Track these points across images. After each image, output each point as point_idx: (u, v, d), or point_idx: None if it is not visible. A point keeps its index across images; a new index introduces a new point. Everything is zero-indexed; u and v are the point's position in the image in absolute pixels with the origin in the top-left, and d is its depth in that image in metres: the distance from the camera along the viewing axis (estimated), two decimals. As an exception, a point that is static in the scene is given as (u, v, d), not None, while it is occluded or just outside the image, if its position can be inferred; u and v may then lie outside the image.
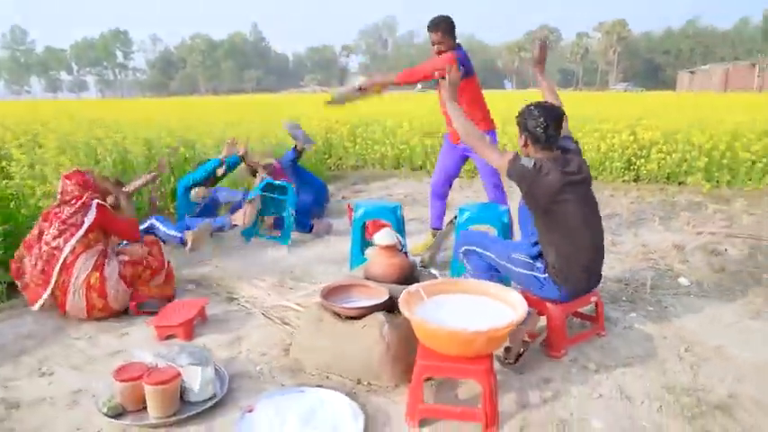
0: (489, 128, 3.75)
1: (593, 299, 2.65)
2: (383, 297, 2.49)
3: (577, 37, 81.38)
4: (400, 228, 3.66)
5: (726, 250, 4.06)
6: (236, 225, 4.25)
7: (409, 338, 2.41)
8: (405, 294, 2.20)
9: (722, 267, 3.70)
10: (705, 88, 32.89)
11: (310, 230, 4.65)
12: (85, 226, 2.94)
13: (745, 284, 3.42)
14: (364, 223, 3.71)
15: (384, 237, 2.83)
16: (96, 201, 3.04)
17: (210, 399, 2.18)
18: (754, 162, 5.96)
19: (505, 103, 10.00)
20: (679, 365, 2.46)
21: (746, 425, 2.03)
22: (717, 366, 2.45)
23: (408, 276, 2.84)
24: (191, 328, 2.82)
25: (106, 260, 2.99)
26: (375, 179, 7.16)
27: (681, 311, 3.04)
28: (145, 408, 2.13)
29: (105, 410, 2.10)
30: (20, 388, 2.36)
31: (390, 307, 2.49)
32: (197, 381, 2.10)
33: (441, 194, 4.04)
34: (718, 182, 6.13)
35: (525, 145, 2.52)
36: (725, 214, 5.14)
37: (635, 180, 6.51)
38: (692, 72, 43.67)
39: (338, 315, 2.48)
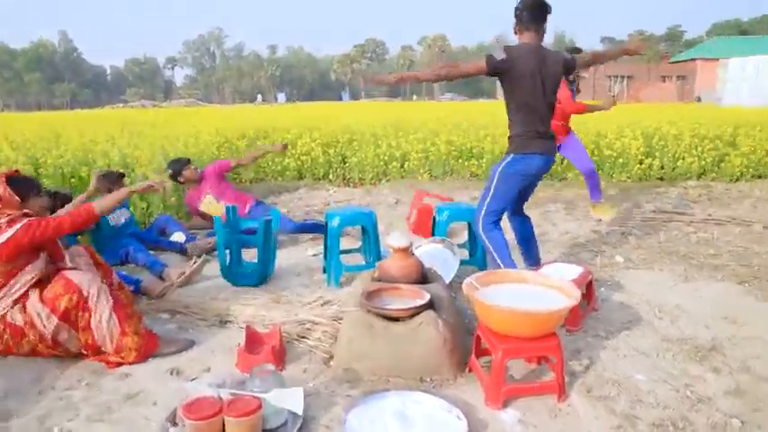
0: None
1: (590, 277, 3.05)
2: (425, 296, 2.59)
3: (402, 50, 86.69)
4: (375, 232, 3.75)
5: (632, 231, 4.83)
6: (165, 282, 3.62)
7: (456, 331, 2.57)
8: (465, 287, 2.34)
9: (638, 245, 4.41)
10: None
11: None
12: None
13: (662, 257, 4.12)
14: (341, 232, 3.72)
15: (399, 239, 2.92)
16: None
17: (284, 425, 2.08)
18: (616, 158, 7.08)
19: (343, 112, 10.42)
20: (662, 323, 2.94)
21: (739, 357, 2.54)
22: (687, 320, 2.98)
23: (423, 275, 2.97)
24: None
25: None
26: (282, 191, 7.05)
27: (630, 282, 3.58)
28: (222, 446, 1.97)
29: (184, 454, 1.91)
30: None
31: (433, 306, 2.60)
32: (299, 402, 2.00)
33: None
34: (589, 176, 7.17)
35: (516, 32, 3.05)
36: (609, 203, 6.04)
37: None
38: (508, 83, 49.18)
39: (387, 318, 2.52)
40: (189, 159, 5.02)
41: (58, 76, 76.67)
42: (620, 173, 7.14)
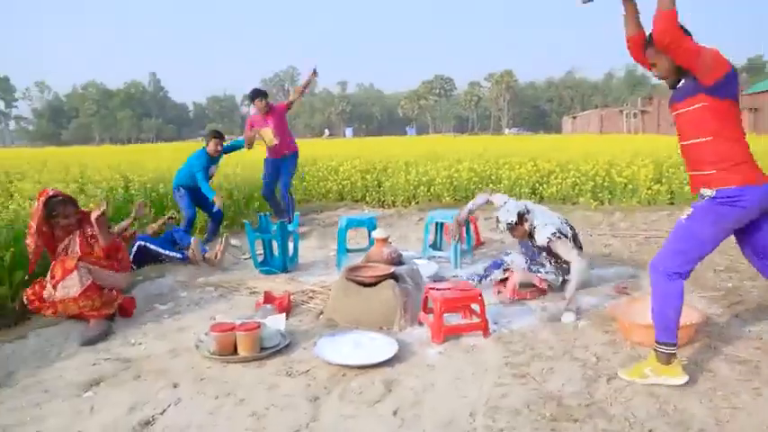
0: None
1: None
2: (390, 269, 3.51)
3: (470, 86, 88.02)
4: (377, 233, 4.71)
5: (611, 244, 5.51)
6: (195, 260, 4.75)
7: (410, 295, 3.46)
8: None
9: (609, 253, 5.11)
10: (585, 131, 37.40)
11: None
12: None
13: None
14: (346, 231, 4.70)
15: (380, 232, 3.87)
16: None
17: (277, 345, 3.04)
18: (625, 185, 7.69)
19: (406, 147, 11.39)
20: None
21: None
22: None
23: (399, 259, 3.88)
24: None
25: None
26: (324, 210, 8.16)
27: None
28: (234, 353, 2.95)
29: (209, 354, 2.91)
30: (121, 353, 3.07)
31: (395, 277, 3.51)
32: (282, 322, 2.98)
33: None
34: (602, 201, 7.80)
35: None
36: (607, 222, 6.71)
37: (540, 201, 8.02)
38: (574, 117, 49.27)
39: (360, 283, 3.45)
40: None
41: (146, 113, 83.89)
42: (629, 197, 7.72)
